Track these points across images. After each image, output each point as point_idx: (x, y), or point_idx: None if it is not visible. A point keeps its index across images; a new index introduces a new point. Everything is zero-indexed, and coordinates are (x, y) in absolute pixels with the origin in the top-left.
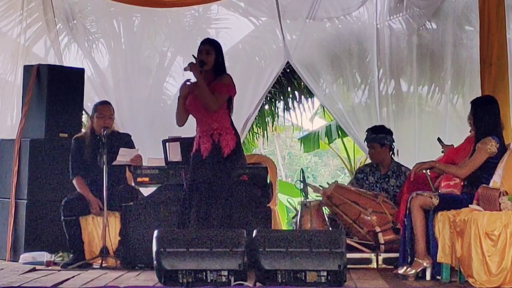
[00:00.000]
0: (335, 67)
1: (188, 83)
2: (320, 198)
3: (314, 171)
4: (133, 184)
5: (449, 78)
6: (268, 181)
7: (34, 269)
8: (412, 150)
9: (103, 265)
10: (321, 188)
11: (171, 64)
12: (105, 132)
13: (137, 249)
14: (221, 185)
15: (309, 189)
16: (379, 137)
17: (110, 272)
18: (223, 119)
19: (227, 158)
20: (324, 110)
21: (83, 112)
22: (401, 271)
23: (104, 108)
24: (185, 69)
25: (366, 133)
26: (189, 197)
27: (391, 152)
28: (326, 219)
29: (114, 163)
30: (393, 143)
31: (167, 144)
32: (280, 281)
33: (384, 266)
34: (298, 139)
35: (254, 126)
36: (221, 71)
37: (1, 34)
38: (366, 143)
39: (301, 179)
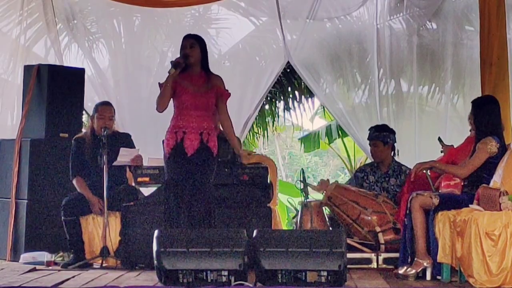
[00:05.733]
0: (335, 67)
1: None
2: (321, 198)
3: (314, 171)
4: (133, 184)
5: (449, 78)
6: (268, 181)
7: (34, 269)
8: (413, 150)
9: (103, 265)
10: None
11: None
12: (105, 132)
13: (137, 249)
14: (208, 183)
15: (309, 189)
16: (382, 135)
17: (110, 272)
18: (212, 120)
19: (216, 157)
20: (324, 110)
21: (84, 112)
22: (401, 271)
23: (104, 109)
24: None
25: (369, 131)
26: (176, 197)
27: (392, 152)
28: (326, 219)
29: (115, 163)
30: (395, 143)
31: None
32: (280, 281)
33: (384, 266)
34: (299, 139)
35: (254, 126)
36: (208, 68)
37: (1, 34)
38: (368, 141)
39: (301, 179)
